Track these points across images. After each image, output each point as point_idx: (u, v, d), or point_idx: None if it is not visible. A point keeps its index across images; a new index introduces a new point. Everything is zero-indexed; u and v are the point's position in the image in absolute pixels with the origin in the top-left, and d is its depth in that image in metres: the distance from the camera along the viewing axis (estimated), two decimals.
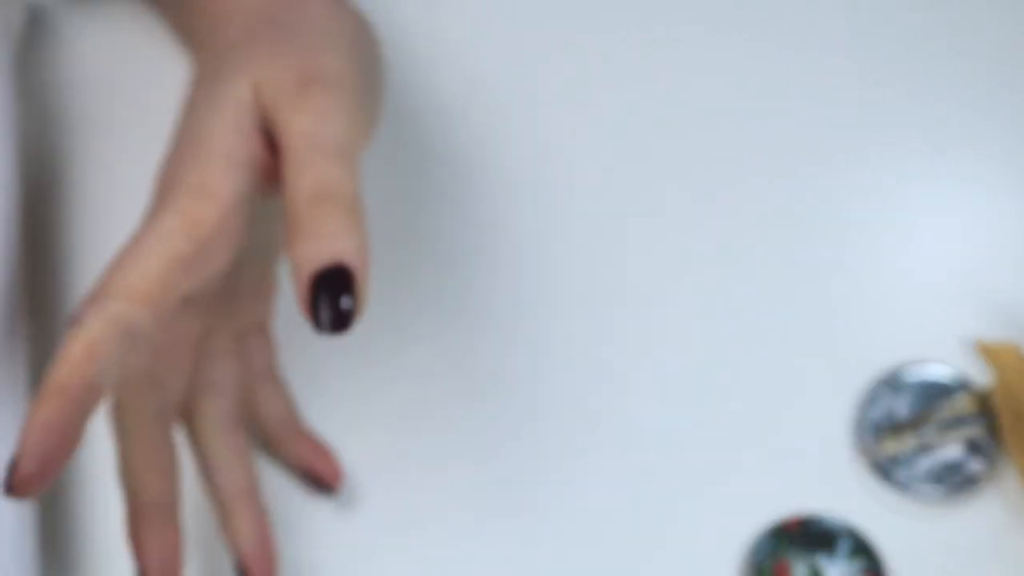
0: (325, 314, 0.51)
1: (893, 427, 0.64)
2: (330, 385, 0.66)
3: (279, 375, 0.63)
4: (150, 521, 0.59)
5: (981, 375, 0.65)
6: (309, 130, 0.54)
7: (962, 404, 0.64)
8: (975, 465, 0.64)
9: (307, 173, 0.53)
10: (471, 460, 0.65)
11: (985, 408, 0.64)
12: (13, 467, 0.51)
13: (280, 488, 0.65)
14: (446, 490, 0.64)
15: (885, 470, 0.64)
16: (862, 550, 0.62)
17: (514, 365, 0.66)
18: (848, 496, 0.64)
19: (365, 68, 0.58)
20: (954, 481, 0.63)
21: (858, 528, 0.63)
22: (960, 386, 0.65)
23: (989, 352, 0.64)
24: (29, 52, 0.71)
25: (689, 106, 0.70)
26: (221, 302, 0.61)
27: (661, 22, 0.72)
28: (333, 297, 0.51)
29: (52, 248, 0.68)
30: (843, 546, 0.63)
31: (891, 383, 0.65)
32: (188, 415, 0.61)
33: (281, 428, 0.63)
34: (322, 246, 0.52)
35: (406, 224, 0.68)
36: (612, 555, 0.63)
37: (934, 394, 0.65)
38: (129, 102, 0.70)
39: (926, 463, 0.64)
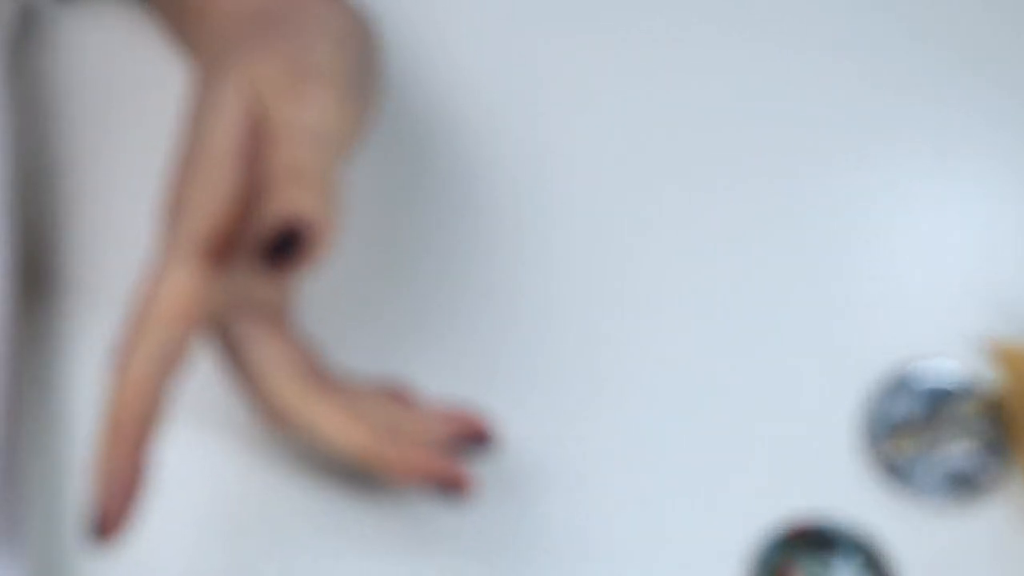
0: (277, 262, 0.54)
1: (901, 429, 0.64)
2: None
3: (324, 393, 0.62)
4: (401, 447, 0.59)
5: (991, 376, 0.65)
6: (291, 118, 0.56)
7: (971, 406, 0.64)
8: (983, 467, 0.63)
9: (282, 155, 0.55)
10: (472, 459, 0.64)
11: (995, 410, 0.64)
12: (97, 515, 0.54)
13: (302, 492, 0.64)
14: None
15: (893, 472, 0.64)
16: (869, 552, 0.62)
17: (515, 363, 0.66)
18: (855, 498, 0.63)
19: (358, 61, 0.59)
20: (962, 483, 0.63)
21: (865, 530, 0.63)
22: (969, 387, 0.65)
23: (998, 353, 0.64)
24: (22, 51, 0.71)
25: (690, 106, 0.70)
26: (245, 303, 0.60)
27: (662, 21, 0.72)
28: (289, 249, 0.54)
29: (46, 244, 0.68)
30: (849, 548, 0.62)
31: (899, 384, 0.65)
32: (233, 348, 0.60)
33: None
34: (284, 205, 0.54)
35: (406, 223, 0.68)
36: (617, 556, 0.63)
37: (943, 395, 0.65)
38: (123, 101, 0.70)
39: (935, 465, 0.64)
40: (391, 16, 0.72)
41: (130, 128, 0.70)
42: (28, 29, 0.71)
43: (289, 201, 0.54)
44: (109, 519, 0.54)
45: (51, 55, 0.71)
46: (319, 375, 0.59)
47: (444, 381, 0.66)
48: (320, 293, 0.67)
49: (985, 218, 0.68)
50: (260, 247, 0.54)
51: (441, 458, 0.59)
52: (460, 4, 0.72)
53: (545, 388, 0.66)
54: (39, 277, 0.67)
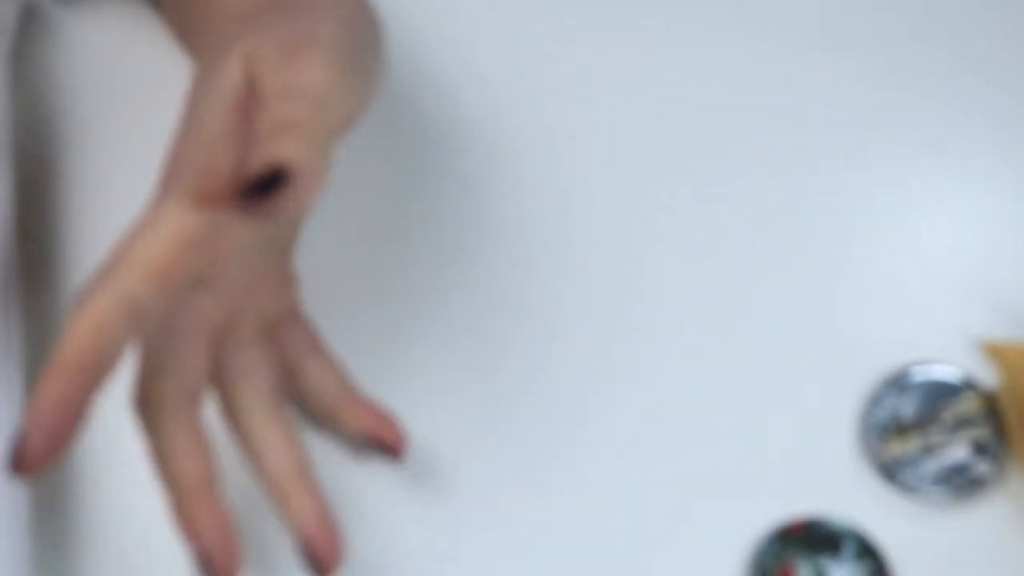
0: (256, 203, 0.52)
1: (899, 428, 0.64)
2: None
3: (326, 351, 0.63)
4: (198, 503, 0.58)
5: (987, 376, 0.65)
6: (286, 81, 0.55)
7: (968, 405, 0.64)
8: (981, 466, 0.63)
9: (274, 113, 0.54)
10: (474, 459, 0.65)
11: (991, 409, 0.64)
12: (20, 443, 0.51)
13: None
14: (450, 489, 0.64)
15: (891, 471, 0.63)
16: (868, 552, 0.62)
17: (516, 362, 0.66)
18: (853, 498, 0.63)
19: (360, 39, 0.59)
20: (960, 483, 0.63)
21: (863, 530, 0.63)
22: (966, 387, 0.64)
23: (996, 352, 0.63)
24: (23, 49, 0.71)
25: (695, 105, 0.70)
26: (243, 293, 0.60)
27: (669, 21, 0.71)
28: (263, 194, 0.52)
29: (46, 246, 0.68)
30: (848, 548, 0.62)
31: (897, 384, 0.65)
32: (227, 406, 0.61)
33: (335, 401, 0.63)
34: (271, 150, 0.52)
35: (413, 218, 0.68)
36: (617, 556, 0.63)
37: (940, 395, 0.64)
38: (124, 99, 0.70)
39: (932, 464, 0.63)
40: (396, 7, 0.72)
41: (133, 126, 0.70)
42: (32, 29, 0.72)
43: (277, 148, 0.53)
44: (29, 456, 0.51)
45: (54, 54, 0.71)
46: (283, 408, 0.60)
47: (448, 381, 0.66)
48: (321, 284, 0.67)
49: (984, 218, 0.68)
50: (242, 186, 0.52)
51: (329, 521, 0.59)
52: (462, 2, 0.72)
53: (544, 386, 0.66)
54: (40, 272, 0.68)
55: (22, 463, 0.51)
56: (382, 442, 0.62)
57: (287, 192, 0.52)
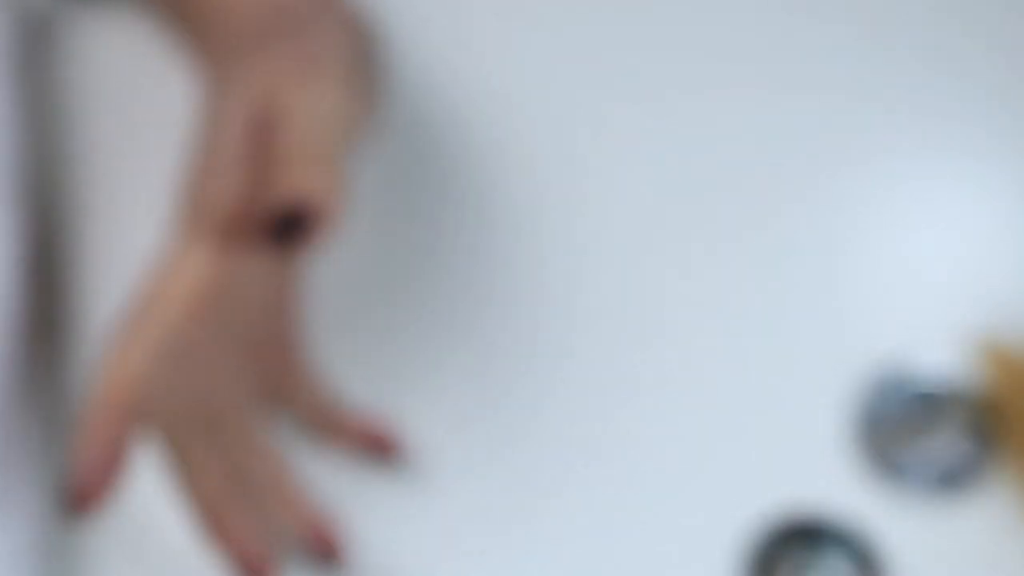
0: (279, 240, 0.55)
1: (893, 424, 0.64)
2: (352, 385, 0.66)
3: (309, 372, 0.63)
4: (229, 512, 0.58)
5: (982, 374, 0.65)
6: (296, 103, 0.57)
7: (962, 402, 0.64)
8: (973, 462, 0.63)
9: (288, 138, 0.56)
10: (471, 459, 0.65)
11: (984, 406, 0.64)
12: (78, 481, 0.53)
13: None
14: (445, 489, 0.65)
15: (884, 466, 0.64)
16: (859, 545, 0.62)
17: (515, 358, 0.66)
18: (847, 492, 0.63)
19: (360, 56, 0.60)
20: (953, 479, 0.63)
21: (856, 524, 0.63)
22: (960, 384, 0.64)
23: (989, 350, 0.64)
24: (34, 53, 0.71)
25: (693, 103, 0.70)
26: (254, 309, 0.61)
27: (669, 32, 0.72)
28: (291, 231, 0.54)
29: (56, 249, 0.68)
30: (840, 541, 0.62)
31: (891, 380, 0.65)
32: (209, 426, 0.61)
33: (325, 420, 0.63)
34: (291, 185, 0.54)
35: (422, 225, 0.68)
36: (611, 550, 0.63)
37: (934, 392, 0.64)
38: (135, 106, 0.70)
39: (925, 460, 0.64)
40: (409, 22, 0.72)
41: (139, 128, 0.70)
42: (40, 32, 0.72)
43: (299, 179, 0.55)
44: (86, 494, 0.53)
45: (63, 56, 0.71)
46: (291, 477, 0.61)
47: (448, 381, 0.66)
48: (328, 292, 0.67)
49: (981, 219, 0.68)
50: (267, 226, 0.55)
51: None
52: (475, 14, 0.72)
53: (541, 380, 0.66)
54: (52, 272, 0.68)
55: (83, 498, 0.53)
56: (378, 443, 0.63)
57: (314, 228, 0.54)
